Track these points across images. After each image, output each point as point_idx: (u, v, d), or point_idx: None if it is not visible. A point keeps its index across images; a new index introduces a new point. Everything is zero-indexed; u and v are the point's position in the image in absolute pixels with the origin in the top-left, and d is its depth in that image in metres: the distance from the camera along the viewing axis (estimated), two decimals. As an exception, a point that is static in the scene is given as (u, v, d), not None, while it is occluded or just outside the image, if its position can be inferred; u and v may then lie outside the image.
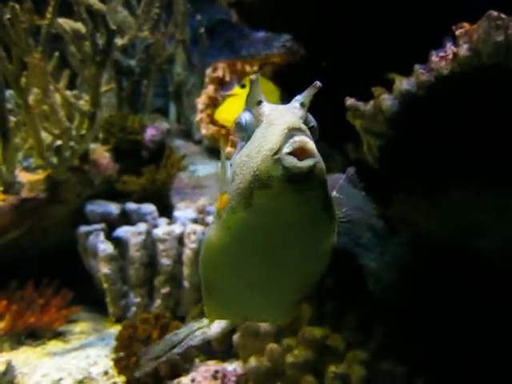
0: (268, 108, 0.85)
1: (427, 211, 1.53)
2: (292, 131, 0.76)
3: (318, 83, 0.85)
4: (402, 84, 1.15)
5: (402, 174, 1.45)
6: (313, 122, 0.86)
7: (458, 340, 1.91)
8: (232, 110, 1.86)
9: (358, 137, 1.66)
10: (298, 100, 0.85)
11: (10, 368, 2.06)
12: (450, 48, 1.10)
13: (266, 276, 0.90)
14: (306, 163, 0.73)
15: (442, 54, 1.11)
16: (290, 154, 0.74)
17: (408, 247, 2.29)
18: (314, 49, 2.44)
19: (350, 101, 1.25)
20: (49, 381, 2.19)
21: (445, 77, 1.10)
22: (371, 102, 1.22)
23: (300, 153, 0.74)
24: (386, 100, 1.17)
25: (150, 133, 3.90)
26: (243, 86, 1.87)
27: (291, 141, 0.75)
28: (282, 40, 4.38)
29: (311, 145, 0.75)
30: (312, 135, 0.81)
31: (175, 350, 1.12)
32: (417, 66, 1.15)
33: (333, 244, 0.91)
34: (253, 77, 0.86)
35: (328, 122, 1.87)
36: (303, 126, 0.78)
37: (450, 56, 1.09)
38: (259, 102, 0.85)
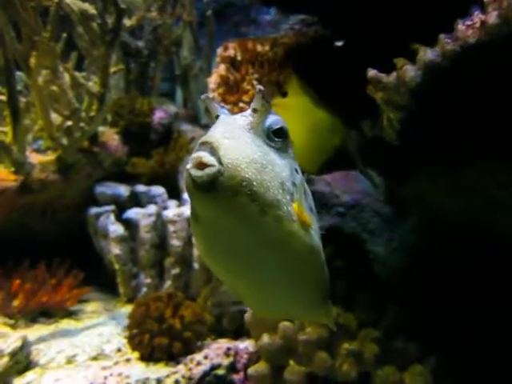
0: (215, 122, 0.91)
1: (445, 188, 1.51)
2: (200, 146, 0.82)
3: (260, 87, 0.88)
4: (427, 54, 1.12)
5: (422, 150, 1.43)
6: (277, 124, 0.90)
7: (470, 320, 1.92)
8: None
9: (374, 114, 1.64)
10: (251, 107, 0.90)
11: (25, 343, 2.10)
12: (477, 16, 1.07)
13: (259, 277, 0.94)
14: (201, 173, 0.79)
15: (468, 22, 1.08)
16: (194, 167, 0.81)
17: (415, 232, 2.28)
18: (335, 25, 2.39)
19: (371, 72, 1.23)
20: (63, 357, 2.23)
21: (471, 46, 1.07)
22: (394, 74, 1.20)
23: (199, 166, 0.81)
24: (410, 71, 1.15)
25: (159, 115, 3.88)
26: (284, 95, 1.72)
27: (193, 156, 0.82)
28: (290, 23, 4.31)
29: (207, 158, 0.80)
30: (279, 137, 0.89)
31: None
32: (442, 36, 1.12)
33: (309, 245, 0.91)
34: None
35: (344, 100, 1.85)
36: (212, 139, 0.82)
37: (478, 24, 1.06)
38: (216, 117, 0.91)
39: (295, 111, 1.62)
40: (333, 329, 1.15)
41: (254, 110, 0.89)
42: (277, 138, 0.90)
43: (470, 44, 1.07)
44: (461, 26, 1.10)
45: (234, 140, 0.83)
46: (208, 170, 0.79)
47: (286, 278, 0.95)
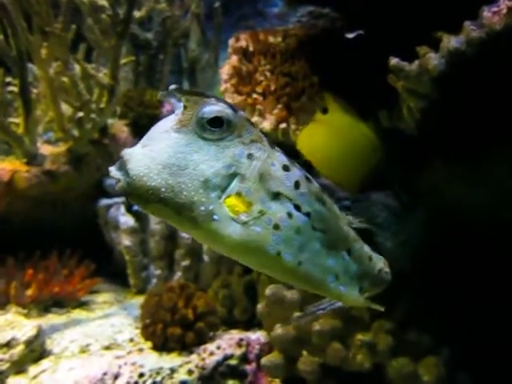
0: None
1: (462, 179, 1.50)
2: (116, 159, 0.90)
3: (172, 87, 0.91)
4: (451, 42, 1.11)
5: (441, 140, 1.42)
6: (212, 113, 0.89)
7: (483, 312, 1.91)
8: (315, 139, 1.63)
9: (391, 104, 1.62)
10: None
11: (40, 332, 2.12)
12: (503, 2, 1.05)
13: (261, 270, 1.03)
14: (110, 181, 0.90)
15: (494, 8, 1.06)
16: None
17: (426, 225, 2.27)
18: (347, 16, 2.37)
19: (394, 60, 1.21)
20: (77, 346, 2.25)
21: (498, 33, 1.05)
22: (416, 62, 1.18)
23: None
24: (433, 59, 1.14)
25: (168, 108, 3.88)
26: (325, 111, 1.65)
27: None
28: (298, 15, 4.26)
29: (113, 173, 0.88)
30: (216, 126, 0.89)
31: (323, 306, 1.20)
32: (467, 23, 1.11)
33: (239, 241, 0.90)
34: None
35: (361, 90, 1.83)
36: (124, 153, 0.88)
37: (504, 11, 1.04)
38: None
39: (336, 128, 1.58)
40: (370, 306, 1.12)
41: (184, 107, 0.89)
42: (213, 127, 0.89)
43: (496, 31, 1.06)
44: (486, 13, 1.08)
45: (150, 148, 0.87)
46: (118, 184, 0.87)
47: (269, 271, 1.00)
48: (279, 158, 0.96)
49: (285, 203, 0.95)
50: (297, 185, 0.96)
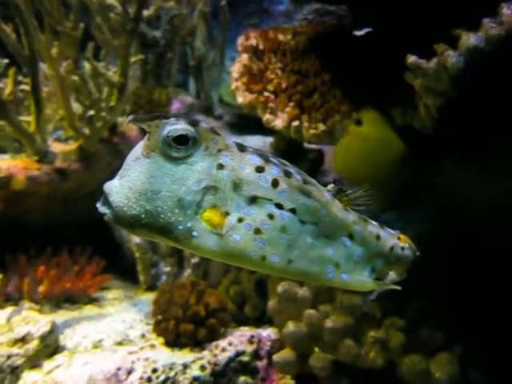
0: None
1: (476, 176, 1.50)
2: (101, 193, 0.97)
3: (130, 118, 0.94)
4: (470, 39, 1.11)
5: (455, 137, 1.42)
6: (176, 131, 0.91)
7: (495, 308, 1.91)
8: (352, 156, 1.58)
9: (404, 102, 1.62)
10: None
11: (54, 328, 2.14)
12: (524, 0, 1.05)
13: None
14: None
15: (514, 7, 1.07)
16: None
17: (436, 223, 2.27)
18: (357, 13, 2.37)
19: (411, 58, 1.22)
20: (90, 342, 2.28)
21: (517, 31, 1.06)
22: (434, 60, 1.19)
23: None
24: (452, 57, 1.14)
25: (175, 106, 3.89)
26: (359, 123, 1.60)
27: None
28: (304, 13, 4.24)
29: (100, 207, 0.94)
30: (182, 143, 0.91)
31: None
32: (486, 20, 1.11)
33: (220, 251, 0.93)
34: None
35: (374, 88, 1.84)
36: (105, 187, 0.94)
37: (524, 9, 1.05)
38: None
39: (371, 143, 1.55)
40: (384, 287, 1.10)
41: (148, 132, 0.93)
42: (179, 145, 0.91)
43: (515, 29, 1.06)
44: (506, 10, 1.08)
45: (126, 178, 0.93)
46: (105, 217, 0.94)
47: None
48: (251, 160, 0.96)
49: (264, 205, 0.95)
50: (274, 183, 0.95)
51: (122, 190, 0.91)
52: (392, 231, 1.13)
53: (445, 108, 1.27)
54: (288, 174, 0.97)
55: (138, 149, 0.94)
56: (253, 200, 0.94)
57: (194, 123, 0.93)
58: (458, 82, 1.17)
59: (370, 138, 1.55)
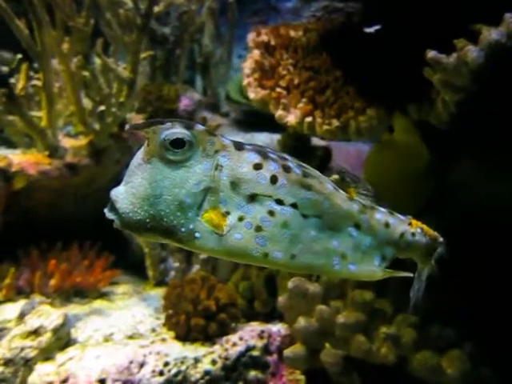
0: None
1: (494, 173, 1.50)
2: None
3: (127, 127, 0.98)
4: (491, 34, 1.10)
5: (473, 134, 1.42)
6: (173, 135, 0.94)
7: (507, 306, 1.91)
8: (384, 165, 1.56)
9: (420, 98, 1.62)
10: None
11: (66, 321, 2.16)
12: (546, -4, 1.05)
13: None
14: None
15: (536, 2, 1.06)
16: None
17: (449, 221, 2.27)
18: (369, 10, 2.37)
19: (431, 53, 1.22)
20: (101, 335, 2.29)
21: (539, 26, 1.05)
22: (454, 55, 1.18)
23: None
24: (472, 52, 1.14)
25: (184, 103, 3.90)
26: (391, 130, 1.57)
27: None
28: (312, 10, 4.24)
29: (107, 214, 0.96)
30: (178, 147, 0.94)
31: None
32: (508, 15, 1.11)
33: (222, 250, 0.95)
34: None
35: (389, 83, 1.83)
36: (111, 194, 0.96)
37: (547, 4, 1.04)
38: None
39: (403, 150, 1.54)
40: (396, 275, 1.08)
41: (147, 139, 0.95)
42: (177, 149, 0.94)
43: (537, 24, 1.05)
44: (528, 6, 1.08)
45: (130, 184, 0.95)
46: (114, 224, 0.96)
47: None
48: (249, 158, 0.97)
49: (264, 202, 0.96)
50: (273, 180, 0.96)
51: (127, 196, 0.94)
52: (402, 217, 1.12)
53: (463, 103, 1.27)
54: (287, 169, 0.99)
55: (140, 154, 0.97)
56: (252, 198, 0.96)
57: (190, 126, 0.95)
58: (478, 78, 1.17)
59: (401, 146, 1.54)
